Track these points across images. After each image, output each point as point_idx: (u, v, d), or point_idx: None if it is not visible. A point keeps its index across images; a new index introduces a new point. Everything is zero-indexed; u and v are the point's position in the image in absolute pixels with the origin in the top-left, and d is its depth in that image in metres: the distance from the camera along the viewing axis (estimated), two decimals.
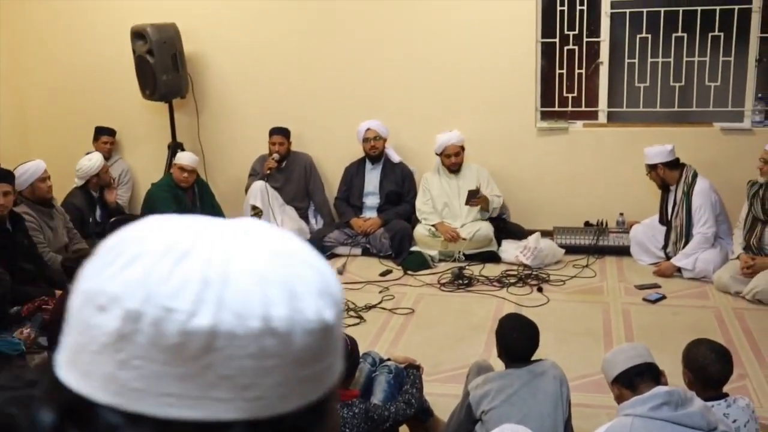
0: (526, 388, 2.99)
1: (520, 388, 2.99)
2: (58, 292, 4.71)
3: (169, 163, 6.61)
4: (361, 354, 3.45)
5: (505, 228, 6.21)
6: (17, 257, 4.90)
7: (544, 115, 6.47)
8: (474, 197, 6.00)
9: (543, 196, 6.45)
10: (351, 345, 3.11)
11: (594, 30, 6.26)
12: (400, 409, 3.14)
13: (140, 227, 0.66)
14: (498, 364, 3.42)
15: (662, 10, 6.07)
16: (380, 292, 5.48)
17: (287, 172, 6.68)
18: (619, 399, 2.77)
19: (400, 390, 3.32)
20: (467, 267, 5.79)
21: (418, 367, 3.48)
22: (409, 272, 5.83)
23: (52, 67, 7.27)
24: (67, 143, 7.09)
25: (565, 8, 6.20)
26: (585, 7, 6.17)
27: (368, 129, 6.32)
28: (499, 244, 6.04)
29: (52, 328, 4.39)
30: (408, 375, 3.40)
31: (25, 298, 4.71)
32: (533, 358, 3.12)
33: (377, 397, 3.29)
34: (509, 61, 6.27)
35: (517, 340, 3.06)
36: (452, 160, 6.11)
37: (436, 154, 6.20)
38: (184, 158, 6.23)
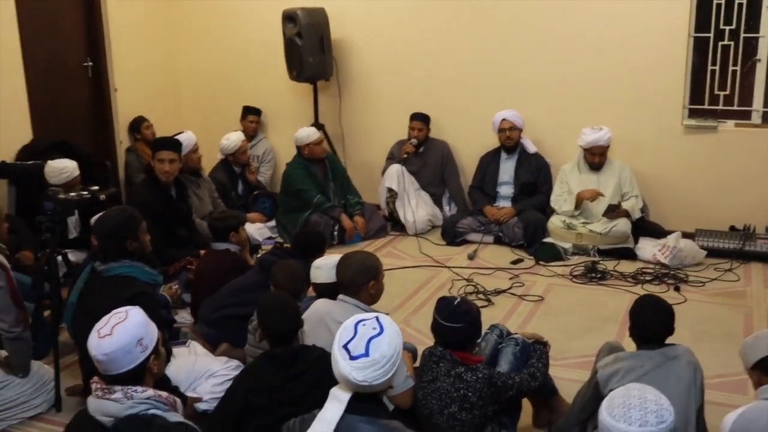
0: (658, 370, 2.89)
1: (651, 370, 2.89)
2: (202, 253, 4.96)
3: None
4: (488, 326, 3.46)
5: (644, 226, 6.01)
6: (175, 223, 5.19)
7: (692, 113, 6.21)
8: (612, 211, 5.84)
9: (686, 196, 6.19)
10: (477, 311, 3.10)
11: (753, 25, 5.96)
12: (524, 380, 3.12)
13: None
14: (630, 348, 3.32)
15: None
16: (510, 278, 5.44)
17: (424, 158, 6.75)
18: (758, 385, 2.64)
19: (526, 364, 3.30)
20: (601, 262, 5.64)
21: (545, 344, 3.44)
22: (541, 262, 5.75)
23: (206, 50, 7.67)
24: (215, 120, 7.45)
25: (723, 2, 5.94)
26: (744, 1, 5.89)
27: (503, 119, 6.28)
28: (636, 242, 5.85)
29: (195, 286, 4.65)
30: (534, 350, 3.37)
31: (173, 260, 4.99)
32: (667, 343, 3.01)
33: (502, 368, 3.27)
34: (658, 54, 6.06)
35: (651, 320, 2.95)
36: (596, 159, 5.98)
37: (580, 146, 6.07)
38: (309, 135, 6.45)
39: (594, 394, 2.94)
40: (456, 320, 3.01)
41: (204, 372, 3.68)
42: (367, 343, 2.16)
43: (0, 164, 5.63)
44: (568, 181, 6.10)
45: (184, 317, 4.69)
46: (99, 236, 3.54)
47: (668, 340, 3.00)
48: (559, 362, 4.02)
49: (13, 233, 5.25)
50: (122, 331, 2.33)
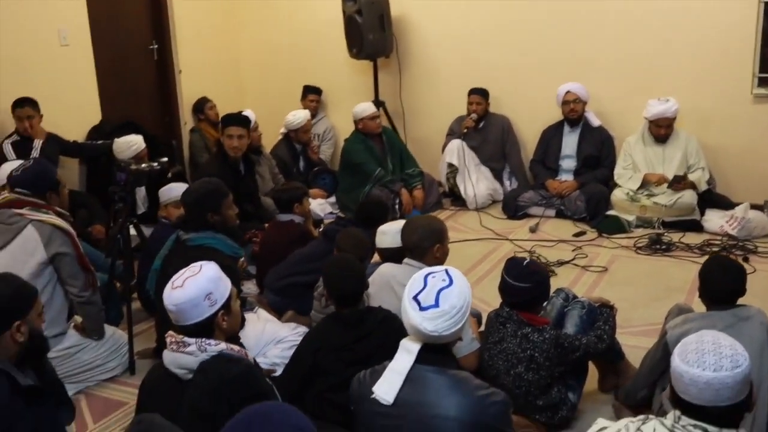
0: (730, 330, 2.83)
1: (722, 330, 2.84)
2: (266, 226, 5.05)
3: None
4: (554, 290, 3.46)
5: (711, 198, 5.88)
6: (242, 198, 5.29)
7: (762, 82, 6.03)
8: (678, 182, 5.74)
9: (755, 167, 6.02)
10: (545, 273, 3.11)
11: None
12: (591, 342, 3.11)
13: None
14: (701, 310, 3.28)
15: None
16: (573, 250, 5.40)
17: (484, 133, 6.73)
18: None
19: (592, 327, 3.28)
20: (666, 234, 5.55)
21: (611, 307, 3.42)
22: (604, 235, 5.69)
23: (267, 31, 7.75)
24: (276, 100, 7.54)
25: None
26: None
27: (568, 92, 6.21)
28: (702, 214, 5.74)
29: (260, 257, 4.73)
30: (601, 313, 3.35)
31: (241, 233, 5.09)
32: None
33: (568, 330, 3.26)
34: (727, 21, 5.90)
35: (721, 280, 2.89)
36: (662, 132, 5.86)
37: (645, 118, 5.97)
38: (366, 109, 6.50)
39: (663, 354, 2.91)
40: (524, 280, 3.03)
41: (273, 338, 3.76)
42: (437, 294, 2.19)
43: (72, 144, 5.80)
44: (632, 154, 6.01)
45: (249, 288, 4.78)
46: (185, 205, 3.62)
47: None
48: (625, 330, 3.98)
49: (85, 208, 5.45)
50: (192, 285, 2.41)
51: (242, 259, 4.66)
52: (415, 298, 2.20)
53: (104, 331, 3.91)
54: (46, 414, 2.43)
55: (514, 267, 3.09)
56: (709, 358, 1.82)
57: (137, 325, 4.25)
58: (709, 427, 1.82)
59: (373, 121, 6.50)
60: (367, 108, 6.52)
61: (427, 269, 2.30)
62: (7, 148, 5.34)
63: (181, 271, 2.48)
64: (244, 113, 5.77)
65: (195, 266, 2.49)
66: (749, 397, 1.86)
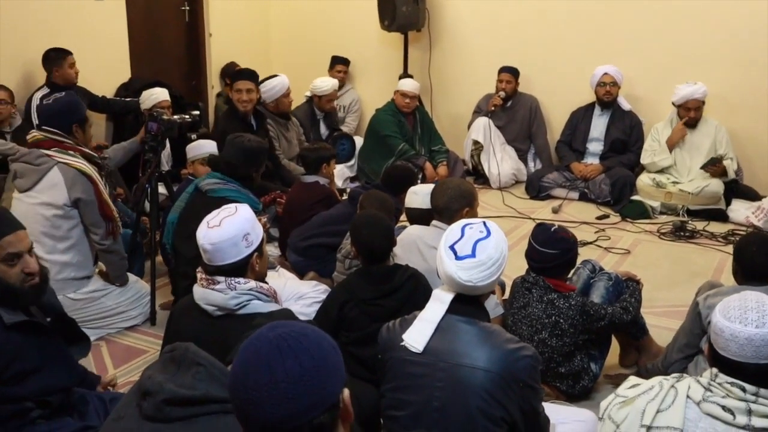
0: None
1: None
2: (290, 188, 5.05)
3: None
4: (580, 261, 3.44)
5: (737, 188, 5.83)
6: None
7: None
8: (713, 164, 5.68)
9: None
10: (573, 240, 3.09)
11: None
12: (617, 312, 3.10)
13: None
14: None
15: None
16: (596, 232, 5.39)
17: (511, 112, 6.69)
18: None
19: (618, 299, 3.27)
20: (690, 222, 5.52)
21: (638, 281, 3.40)
22: (628, 219, 5.67)
23: None
24: (304, 69, 7.49)
25: None
26: None
27: (605, 74, 6.16)
28: (728, 204, 5.70)
29: (284, 217, 4.73)
30: (627, 286, 3.34)
31: (263, 192, 5.10)
32: None
33: (594, 300, 3.25)
34: (760, 9, 5.83)
35: (756, 254, 2.85)
36: (691, 114, 5.79)
37: (674, 105, 5.92)
38: (406, 84, 6.45)
39: (696, 325, 2.88)
40: (551, 246, 3.02)
41: (293, 294, 3.76)
42: (474, 244, 2.17)
43: (100, 99, 5.80)
44: (660, 139, 5.96)
45: (271, 251, 4.77)
46: (229, 160, 3.64)
47: None
48: (648, 310, 3.92)
49: None
50: (230, 224, 2.40)
51: (264, 219, 4.70)
52: (451, 247, 2.19)
53: (127, 278, 3.94)
54: (50, 348, 2.41)
55: (541, 233, 3.08)
56: (751, 314, 1.80)
57: (161, 277, 4.26)
58: (747, 386, 1.81)
59: (412, 99, 6.46)
60: (411, 85, 6.50)
61: (465, 220, 2.29)
62: (35, 103, 5.35)
63: (216, 212, 2.48)
64: (277, 78, 5.77)
65: (230, 207, 2.48)
66: None
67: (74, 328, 2.69)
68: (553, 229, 3.08)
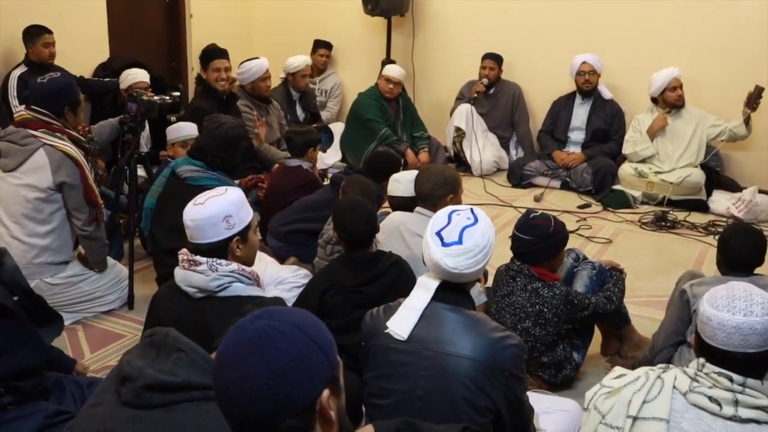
0: None
1: None
2: (275, 168, 4.99)
3: None
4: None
5: (718, 180, 5.86)
6: None
7: None
8: (759, 96, 5.57)
9: (764, 153, 6.00)
10: (552, 229, 3.05)
11: None
12: (600, 302, 3.09)
13: None
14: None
15: None
16: (577, 221, 5.39)
17: (494, 100, 6.67)
18: None
19: (601, 288, 3.26)
20: (671, 212, 5.53)
21: (621, 271, 3.39)
22: (609, 209, 5.67)
23: None
24: (286, 52, 7.36)
25: None
26: None
27: (584, 62, 6.16)
28: (709, 195, 5.72)
29: (266, 201, 4.67)
30: (611, 275, 3.33)
31: (242, 175, 5.04)
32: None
33: (577, 290, 3.23)
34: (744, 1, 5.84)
35: (740, 245, 2.84)
36: (678, 93, 5.78)
37: (653, 98, 5.93)
38: (391, 70, 6.39)
39: (686, 313, 2.86)
40: (527, 232, 3.02)
41: (274, 279, 3.71)
42: (461, 231, 2.14)
43: (78, 78, 5.69)
44: (641, 129, 5.96)
45: None
46: (205, 148, 3.56)
47: None
48: (630, 299, 3.90)
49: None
50: (213, 204, 2.39)
51: None
52: (438, 233, 2.16)
53: (107, 264, 3.87)
54: (14, 328, 2.34)
55: (522, 218, 3.08)
56: (739, 303, 1.79)
57: (138, 261, 4.20)
58: (734, 376, 1.80)
59: (395, 85, 6.39)
60: (396, 72, 6.41)
61: (452, 207, 2.25)
62: (12, 83, 5.25)
63: (207, 191, 2.46)
64: (255, 61, 5.70)
65: (221, 188, 2.47)
66: None
67: (44, 306, 2.61)
68: (532, 215, 3.06)
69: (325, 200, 4.20)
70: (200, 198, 2.41)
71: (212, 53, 5.41)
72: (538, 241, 3.02)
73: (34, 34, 5.27)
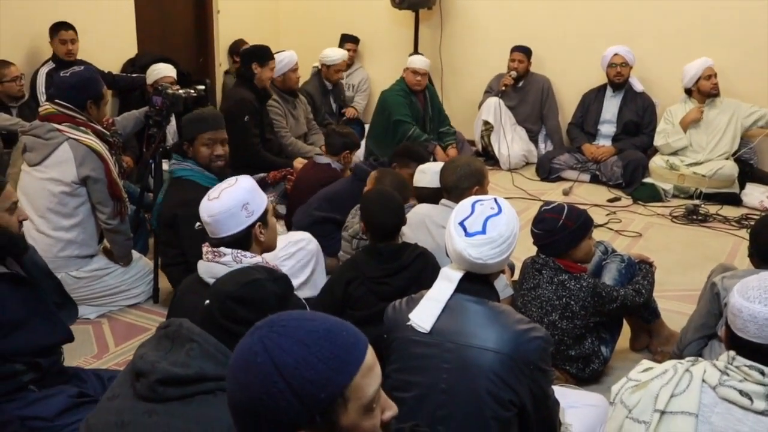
0: None
1: None
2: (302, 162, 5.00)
3: None
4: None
5: (751, 172, 5.75)
6: (266, 128, 5.32)
7: None
8: None
9: None
10: (564, 222, 2.99)
11: None
12: (629, 295, 3.03)
13: None
14: None
15: None
16: (607, 215, 5.31)
17: (523, 93, 6.59)
18: None
19: (630, 281, 3.20)
20: (703, 205, 5.42)
21: (651, 264, 3.32)
22: (640, 202, 5.58)
23: None
24: (312, 47, 7.36)
25: None
26: None
27: (616, 54, 6.05)
28: (742, 188, 5.60)
29: (291, 196, 4.67)
30: (640, 268, 3.27)
31: (270, 166, 5.05)
32: None
33: (606, 282, 3.17)
34: None
35: None
36: (713, 81, 5.68)
37: (686, 89, 5.82)
38: (416, 61, 6.30)
39: (716, 306, 2.79)
40: (537, 225, 3.02)
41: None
42: (485, 221, 2.10)
43: (106, 74, 5.73)
44: (674, 121, 5.85)
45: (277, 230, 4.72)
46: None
47: None
48: (660, 294, 3.86)
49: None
50: (228, 195, 2.38)
51: (272, 197, 4.64)
52: (461, 223, 2.12)
53: (131, 258, 3.88)
54: (34, 302, 2.38)
55: (538, 210, 3.04)
56: None
57: None
58: (766, 369, 1.73)
59: (422, 76, 6.27)
60: (420, 62, 6.31)
61: (475, 197, 2.21)
62: (41, 80, 5.30)
63: (219, 185, 2.46)
64: (284, 53, 5.71)
65: (231, 179, 2.47)
66: None
67: (61, 290, 2.64)
68: (543, 207, 3.03)
69: (347, 191, 4.16)
70: (214, 192, 2.41)
71: (268, 53, 5.37)
72: (546, 234, 2.98)
73: (54, 30, 5.32)
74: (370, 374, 1.19)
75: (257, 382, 1.13)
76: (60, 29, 5.32)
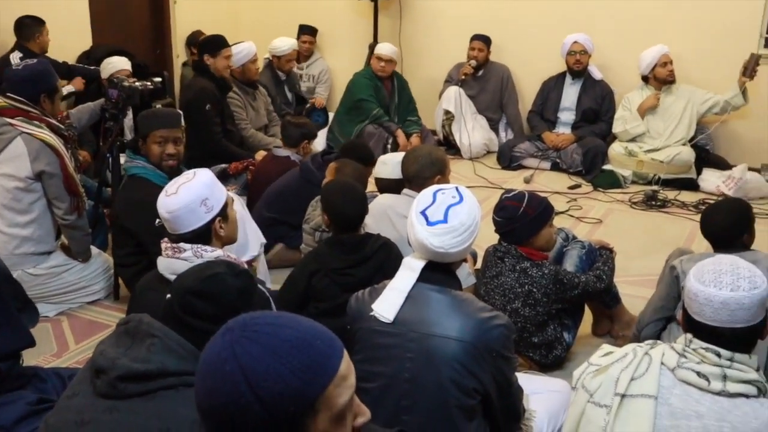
0: None
1: None
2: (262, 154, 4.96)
3: (368, 62, 6.72)
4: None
5: (707, 158, 5.84)
6: (227, 119, 5.27)
7: None
8: (757, 63, 5.54)
9: (753, 131, 5.97)
10: (522, 210, 3.01)
11: None
12: (590, 281, 3.06)
13: None
14: None
15: None
16: (567, 201, 5.37)
17: (483, 81, 6.62)
18: None
19: (591, 268, 3.23)
20: (662, 191, 5.50)
21: (611, 250, 3.37)
22: (600, 189, 5.65)
23: None
24: (272, 36, 7.30)
25: None
26: None
27: (575, 42, 6.10)
28: (699, 173, 5.69)
29: (251, 189, 4.63)
30: (600, 254, 3.30)
31: (232, 157, 5.01)
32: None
33: (567, 269, 3.21)
34: None
35: (721, 220, 2.80)
36: (669, 68, 5.76)
37: (643, 76, 5.90)
38: (382, 48, 6.31)
39: (675, 289, 2.83)
40: (497, 213, 3.05)
41: None
42: (446, 210, 2.11)
43: (62, 64, 5.62)
44: (631, 108, 5.92)
45: None
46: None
47: None
48: (621, 278, 3.91)
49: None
50: (186, 191, 2.34)
51: (234, 189, 4.59)
52: (422, 212, 2.12)
53: (90, 254, 3.82)
54: None
55: (500, 197, 3.07)
56: (726, 278, 1.76)
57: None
58: (722, 351, 1.77)
59: (387, 63, 6.32)
60: (389, 50, 6.35)
61: (437, 186, 2.22)
62: (15, 60, 5.21)
63: (175, 179, 2.42)
64: (243, 44, 5.64)
65: (189, 173, 2.42)
66: (763, 322, 1.80)
67: (20, 293, 2.56)
68: (503, 196, 3.06)
69: (293, 191, 4.13)
70: (171, 187, 2.37)
71: (222, 42, 5.30)
72: (507, 222, 3.01)
73: (37, 25, 5.35)
74: (343, 384, 1.14)
75: (224, 390, 1.09)
76: (43, 24, 5.37)
